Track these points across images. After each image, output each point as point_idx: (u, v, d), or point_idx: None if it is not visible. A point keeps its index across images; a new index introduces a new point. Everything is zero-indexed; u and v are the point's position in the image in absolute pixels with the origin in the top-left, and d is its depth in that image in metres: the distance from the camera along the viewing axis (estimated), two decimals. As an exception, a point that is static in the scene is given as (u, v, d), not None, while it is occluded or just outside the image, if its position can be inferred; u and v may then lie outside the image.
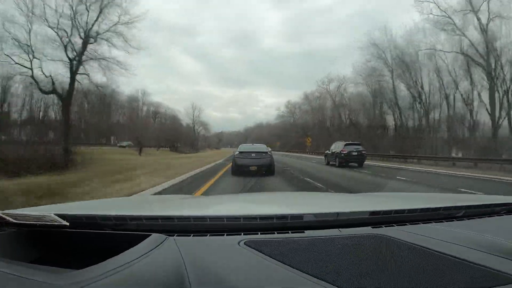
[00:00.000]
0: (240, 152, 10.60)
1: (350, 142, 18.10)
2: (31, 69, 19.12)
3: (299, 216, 1.02)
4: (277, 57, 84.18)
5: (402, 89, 32.10)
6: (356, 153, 16.41)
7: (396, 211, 1.08)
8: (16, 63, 19.10)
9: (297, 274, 0.68)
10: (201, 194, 6.04)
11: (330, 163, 17.76)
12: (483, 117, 26.42)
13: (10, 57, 18.73)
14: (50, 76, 19.67)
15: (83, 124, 44.69)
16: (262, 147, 11.46)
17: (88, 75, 20.54)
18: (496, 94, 24.95)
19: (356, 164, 16.27)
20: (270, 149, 11.41)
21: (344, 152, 16.30)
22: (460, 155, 22.76)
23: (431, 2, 26.66)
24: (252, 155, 10.41)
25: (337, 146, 17.46)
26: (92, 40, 19.87)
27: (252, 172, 9.71)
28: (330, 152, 18.25)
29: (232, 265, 0.74)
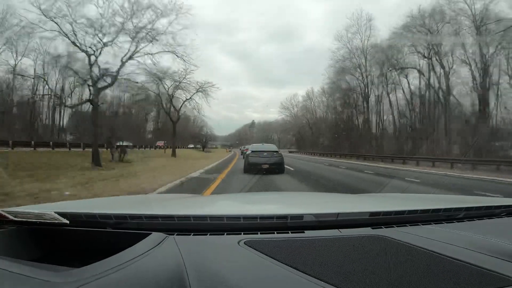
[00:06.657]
0: (253, 151, 11.27)
1: None
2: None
3: (299, 216, 1.02)
4: (320, 54, 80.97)
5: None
6: None
7: (396, 212, 1.08)
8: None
9: (297, 274, 0.68)
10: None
11: None
12: None
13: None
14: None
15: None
16: (272, 147, 12.22)
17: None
18: None
19: None
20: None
21: None
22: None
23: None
24: (264, 154, 11.03)
25: None
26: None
27: (264, 170, 10.15)
28: None
29: (231, 265, 0.74)
